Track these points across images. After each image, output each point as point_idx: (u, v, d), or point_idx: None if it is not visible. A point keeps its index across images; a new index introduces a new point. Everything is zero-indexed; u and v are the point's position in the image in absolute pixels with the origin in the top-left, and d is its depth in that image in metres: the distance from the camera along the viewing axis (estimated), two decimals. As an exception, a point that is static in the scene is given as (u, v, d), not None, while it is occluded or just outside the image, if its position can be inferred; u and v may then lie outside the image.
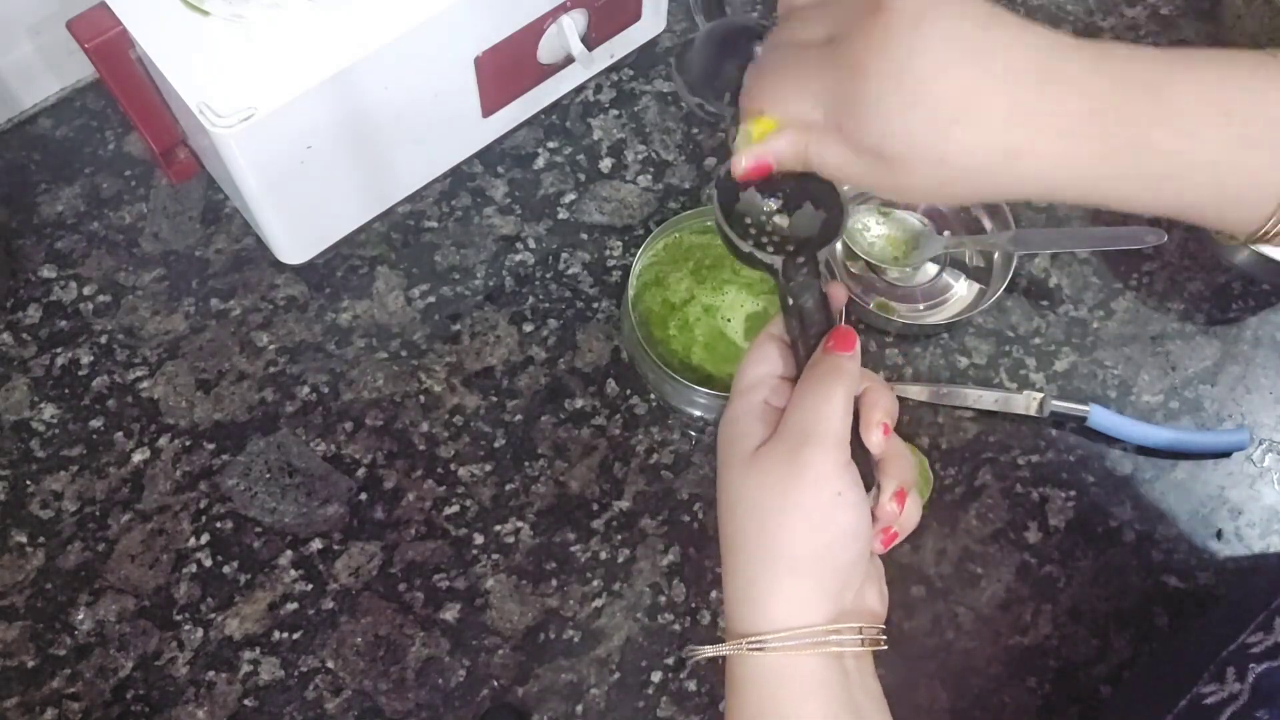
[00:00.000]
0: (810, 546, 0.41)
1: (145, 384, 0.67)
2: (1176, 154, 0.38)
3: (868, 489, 0.43)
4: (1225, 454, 0.67)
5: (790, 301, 0.46)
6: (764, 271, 0.47)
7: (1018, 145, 0.37)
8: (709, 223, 0.69)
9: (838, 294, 0.46)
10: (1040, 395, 0.67)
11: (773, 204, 0.48)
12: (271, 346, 0.68)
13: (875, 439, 0.42)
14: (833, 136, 0.39)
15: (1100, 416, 0.66)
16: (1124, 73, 0.38)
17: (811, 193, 0.46)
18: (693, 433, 0.67)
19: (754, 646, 0.41)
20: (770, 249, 0.46)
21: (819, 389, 0.42)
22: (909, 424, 0.67)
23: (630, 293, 0.65)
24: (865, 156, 0.39)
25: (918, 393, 0.68)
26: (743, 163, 0.42)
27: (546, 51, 0.68)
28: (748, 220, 0.48)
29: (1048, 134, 0.37)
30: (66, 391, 0.67)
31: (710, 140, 0.76)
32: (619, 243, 0.73)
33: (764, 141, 0.41)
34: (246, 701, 0.59)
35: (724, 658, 0.43)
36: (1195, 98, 0.38)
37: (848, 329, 0.44)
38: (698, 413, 0.66)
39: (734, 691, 0.42)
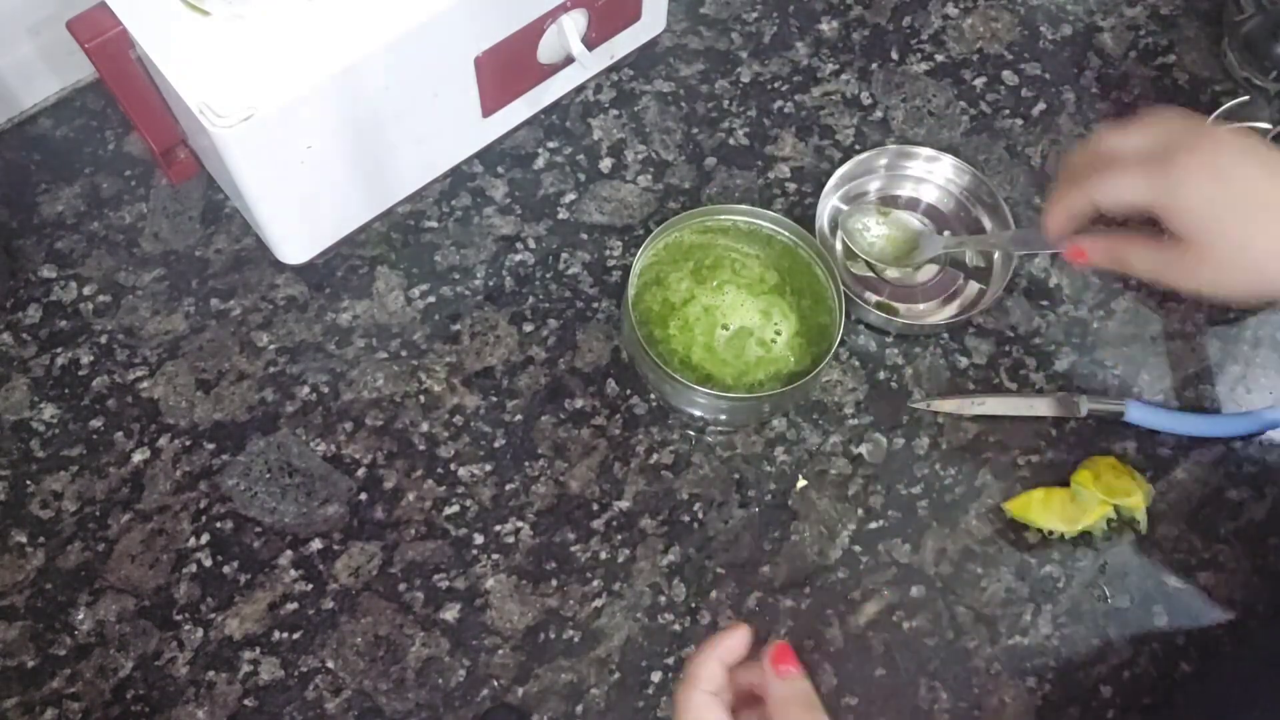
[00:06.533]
0: None
1: (145, 384, 0.67)
2: None
3: None
4: (1259, 433, 0.68)
5: None
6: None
7: None
8: (709, 222, 0.69)
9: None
10: (1079, 395, 0.67)
11: None
12: (271, 346, 0.68)
13: None
14: (1141, 242, 0.50)
15: (1137, 411, 0.66)
16: None
17: None
18: (692, 433, 0.67)
19: None
20: None
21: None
22: (909, 424, 0.67)
23: (630, 292, 0.65)
24: (1174, 249, 0.48)
25: (953, 406, 0.68)
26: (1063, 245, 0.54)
27: (546, 51, 0.68)
28: None
29: None
30: (66, 391, 0.67)
31: (710, 140, 0.76)
32: (619, 243, 0.73)
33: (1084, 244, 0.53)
34: (246, 701, 0.59)
35: None
36: None
37: (784, 645, 0.45)
38: (698, 412, 0.66)
39: None
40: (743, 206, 0.68)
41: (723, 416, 0.66)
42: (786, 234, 0.68)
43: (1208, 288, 0.49)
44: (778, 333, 0.66)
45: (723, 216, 0.69)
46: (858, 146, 0.77)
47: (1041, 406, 0.68)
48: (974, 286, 0.71)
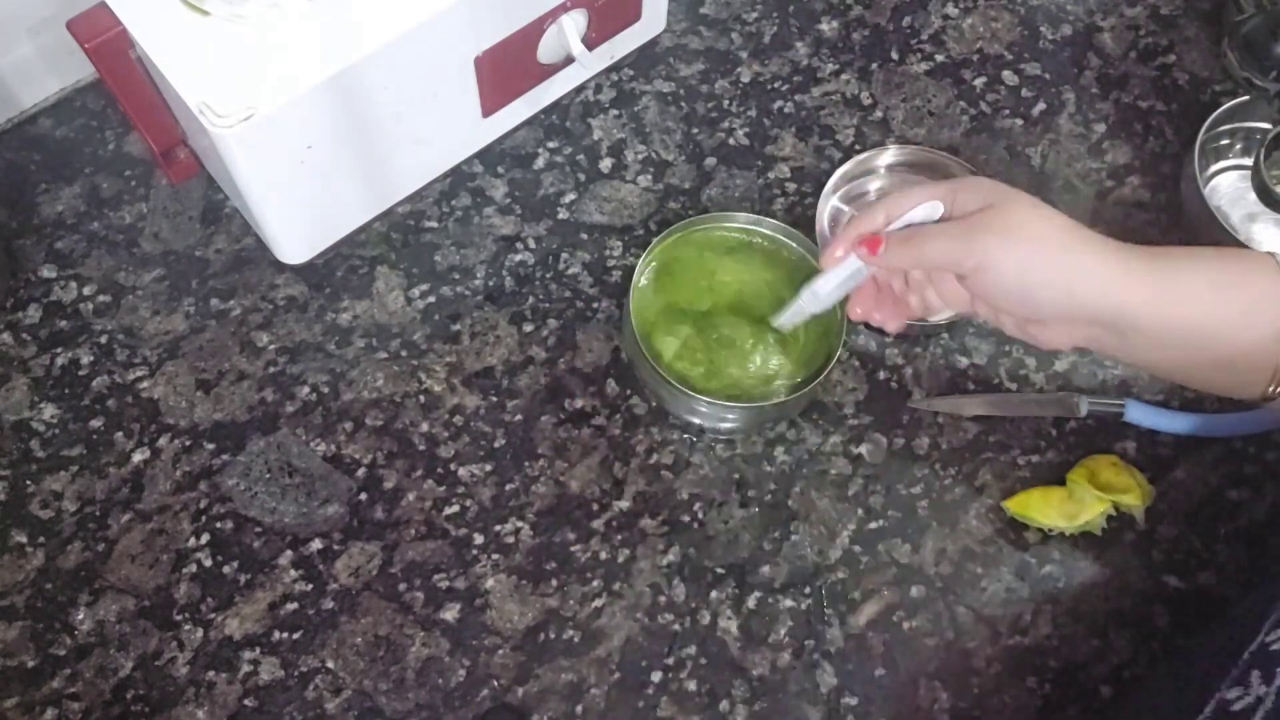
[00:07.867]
0: None
1: (145, 384, 0.67)
2: (1171, 318, 0.49)
3: None
4: (1259, 433, 0.67)
5: None
6: None
7: (1074, 258, 0.51)
8: (713, 232, 0.68)
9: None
10: (1078, 396, 0.67)
11: None
12: (271, 346, 0.68)
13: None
14: (933, 227, 0.53)
15: (1136, 411, 0.66)
16: (1131, 253, 0.50)
17: None
18: (691, 435, 0.67)
19: None
20: None
21: None
22: (909, 424, 0.67)
23: (632, 304, 0.64)
24: (966, 221, 0.52)
25: (953, 406, 0.68)
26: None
27: (546, 51, 0.68)
28: None
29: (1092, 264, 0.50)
30: (66, 391, 0.67)
31: (710, 140, 0.76)
32: (619, 243, 0.73)
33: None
34: (246, 701, 0.59)
35: None
36: (1188, 271, 0.50)
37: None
38: (695, 420, 0.66)
39: None
40: (746, 215, 0.68)
41: (724, 425, 0.66)
42: (792, 244, 0.68)
43: (994, 263, 0.51)
44: (780, 340, 0.66)
45: (727, 224, 0.68)
46: (858, 146, 0.77)
47: (1041, 406, 0.68)
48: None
